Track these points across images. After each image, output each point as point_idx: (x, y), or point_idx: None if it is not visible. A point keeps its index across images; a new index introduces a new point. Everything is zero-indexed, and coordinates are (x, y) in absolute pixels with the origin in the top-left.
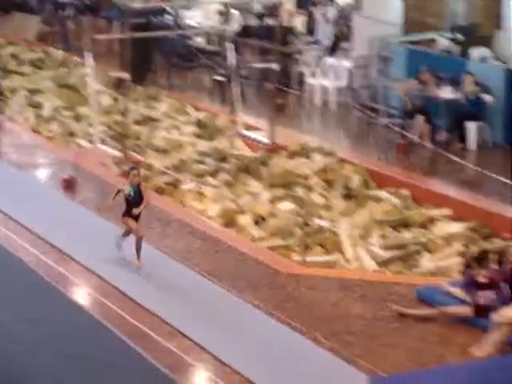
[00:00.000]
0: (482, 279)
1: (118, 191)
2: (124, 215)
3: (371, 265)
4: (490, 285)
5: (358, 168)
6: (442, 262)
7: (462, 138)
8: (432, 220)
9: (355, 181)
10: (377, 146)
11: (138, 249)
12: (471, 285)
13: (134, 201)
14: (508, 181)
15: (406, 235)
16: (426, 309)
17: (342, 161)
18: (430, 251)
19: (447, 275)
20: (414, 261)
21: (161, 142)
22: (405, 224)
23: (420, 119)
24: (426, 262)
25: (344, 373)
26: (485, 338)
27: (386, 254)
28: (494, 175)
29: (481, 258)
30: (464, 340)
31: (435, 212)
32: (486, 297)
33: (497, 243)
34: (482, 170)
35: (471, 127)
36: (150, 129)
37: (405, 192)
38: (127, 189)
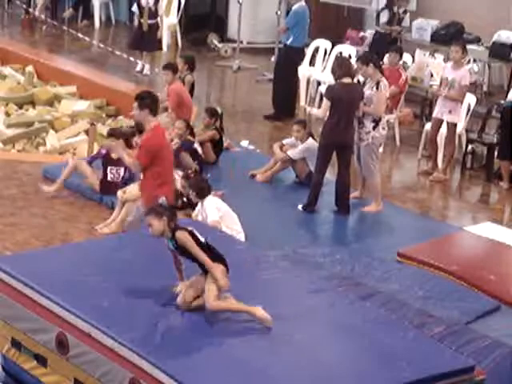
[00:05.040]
0: (113, 155)
1: None
2: None
3: None
4: (119, 161)
5: None
6: (68, 140)
7: (88, 15)
8: (57, 97)
9: None
10: (0, 21)
11: None
12: (103, 161)
13: None
14: (132, 58)
15: (32, 113)
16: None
17: None
18: (55, 129)
19: (73, 152)
20: (39, 139)
21: None
22: (30, 101)
23: None
24: (52, 139)
25: None
26: (112, 215)
27: (11, 132)
28: (118, 53)
29: (110, 135)
30: (90, 217)
31: (60, 89)
32: (113, 173)
33: (123, 121)
34: (107, 47)
35: (96, 4)
36: None
37: (30, 69)
38: None
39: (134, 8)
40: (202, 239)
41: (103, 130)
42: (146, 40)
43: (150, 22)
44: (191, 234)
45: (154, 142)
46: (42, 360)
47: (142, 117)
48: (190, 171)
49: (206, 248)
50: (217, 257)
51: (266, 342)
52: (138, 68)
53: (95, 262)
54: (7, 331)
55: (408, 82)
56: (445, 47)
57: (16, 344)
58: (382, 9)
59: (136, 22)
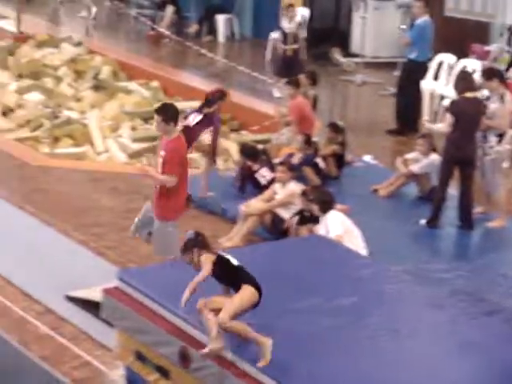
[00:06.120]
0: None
1: None
2: None
3: (121, 157)
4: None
5: (107, 59)
6: (191, 154)
7: (212, 31)
8: (182, 112)
9: (105, 72)
10: (127, 37)
11: None
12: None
13: None
14: (256, 74)
15: None
16: None
17: (92, 51)
18: None
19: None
20: None
21: None
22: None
23: (169, 10)
24: None
25: (94, 265)
26: (234, 229)
27: (136, 146)
28: (242, 68)
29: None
30: (214, 230)
31: (185, 104)
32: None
33: (245, 136)
34: (231, 63)
35: (220, 20)
36: None
37: (155, 84)
38: None
39: (276, 34)
40: (235, 262)
41: (226, 143)
42: (291, 66)
43: (294, 46)
44: (219, 257)
45: (182, 151)
46: (164, 372)
47: (168, 129)
48: (308, 187)
49: (236, 271)
50: (248, 279)
51: (389, 356)
52: (279, 94)
53: None
54: (131, 344)
55: None
56: None
57: (140, 356)
58: None
59: (279, 50)
